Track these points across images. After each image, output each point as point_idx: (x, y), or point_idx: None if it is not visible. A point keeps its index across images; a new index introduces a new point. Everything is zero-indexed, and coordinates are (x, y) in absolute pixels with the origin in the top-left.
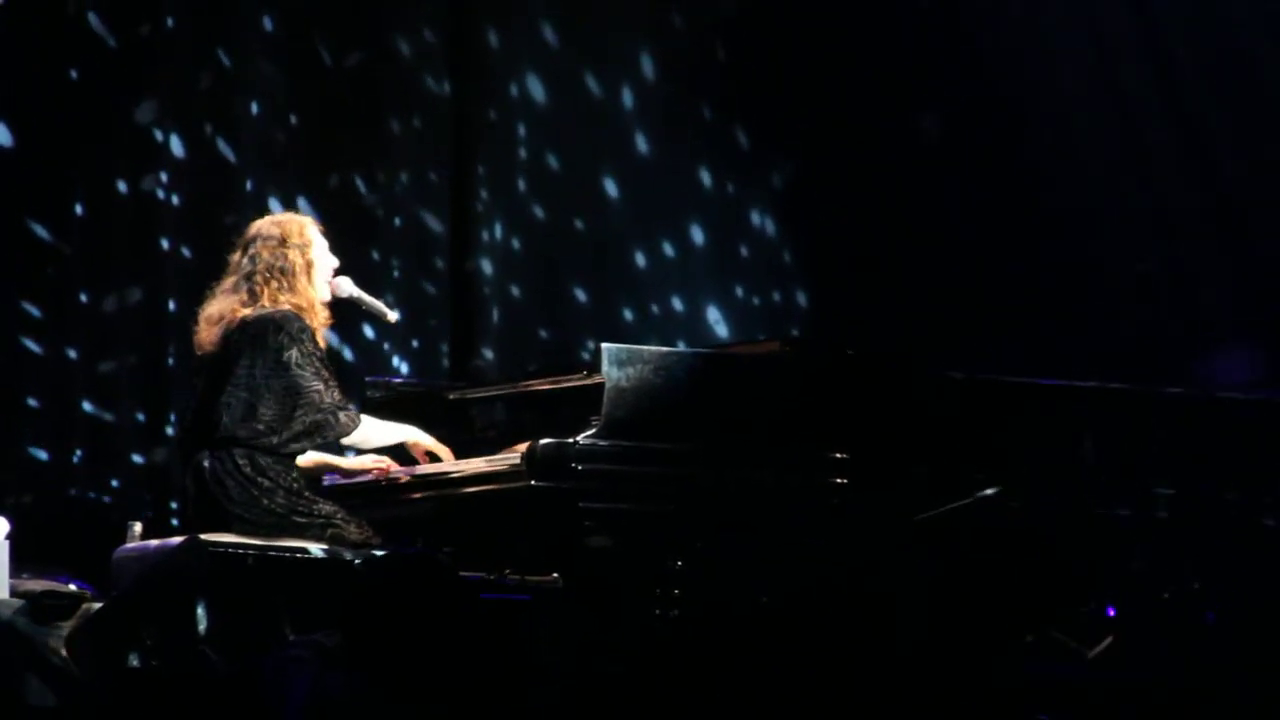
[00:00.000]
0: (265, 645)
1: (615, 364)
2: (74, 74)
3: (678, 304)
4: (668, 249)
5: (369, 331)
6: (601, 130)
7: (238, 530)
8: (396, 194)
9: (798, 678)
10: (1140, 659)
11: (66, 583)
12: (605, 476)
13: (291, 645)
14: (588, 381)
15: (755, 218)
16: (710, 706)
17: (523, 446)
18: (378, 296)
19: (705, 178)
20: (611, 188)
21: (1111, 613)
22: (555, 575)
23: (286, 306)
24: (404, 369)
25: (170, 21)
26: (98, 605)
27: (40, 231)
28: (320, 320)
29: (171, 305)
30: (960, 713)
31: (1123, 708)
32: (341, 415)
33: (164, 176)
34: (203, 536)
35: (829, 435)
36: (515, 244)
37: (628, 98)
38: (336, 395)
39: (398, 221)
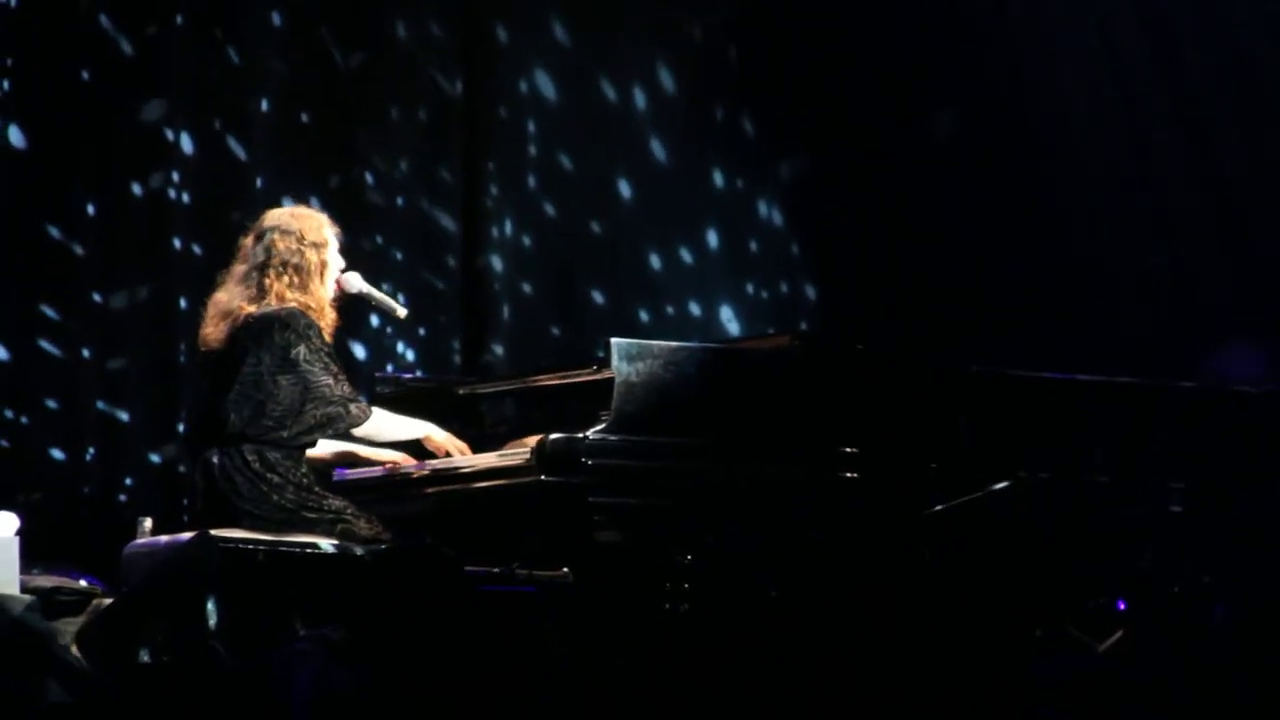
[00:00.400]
0: (275, 640)
1: (625, 359)
2: (85, 75)
3: (692, 305)
4: (681, 249)
5: (378, 326)
6: (610, 127)
7: (247, 526)
8: (406, 190)
9: (807, 672)
10: (1150, 653)
11: (77, 578)
12: (615, 471)
13: (299, 640)
14: (598, 376)
15: (763, 209)
16: (719, 701)
17: (531, 440)
18: (388, 293)
19: (717, 175)
20: (623, 186)
21: (1121, 607)
22: (565, 570)
23: (294, 304)
24: (412, 360)
25: (179, 19)
26: (108, 601)
27: (53, 232)
28: (328, 321)
29: (182, 303)
30: (969, 708)
31: (1132, 702)
32: (353, 407)
33: (175, 175)
34: (213, 532)
35: (838, 430)
36: (526, 241)
37: (638, 95)
38: (346, 388)
39: (408, 217)
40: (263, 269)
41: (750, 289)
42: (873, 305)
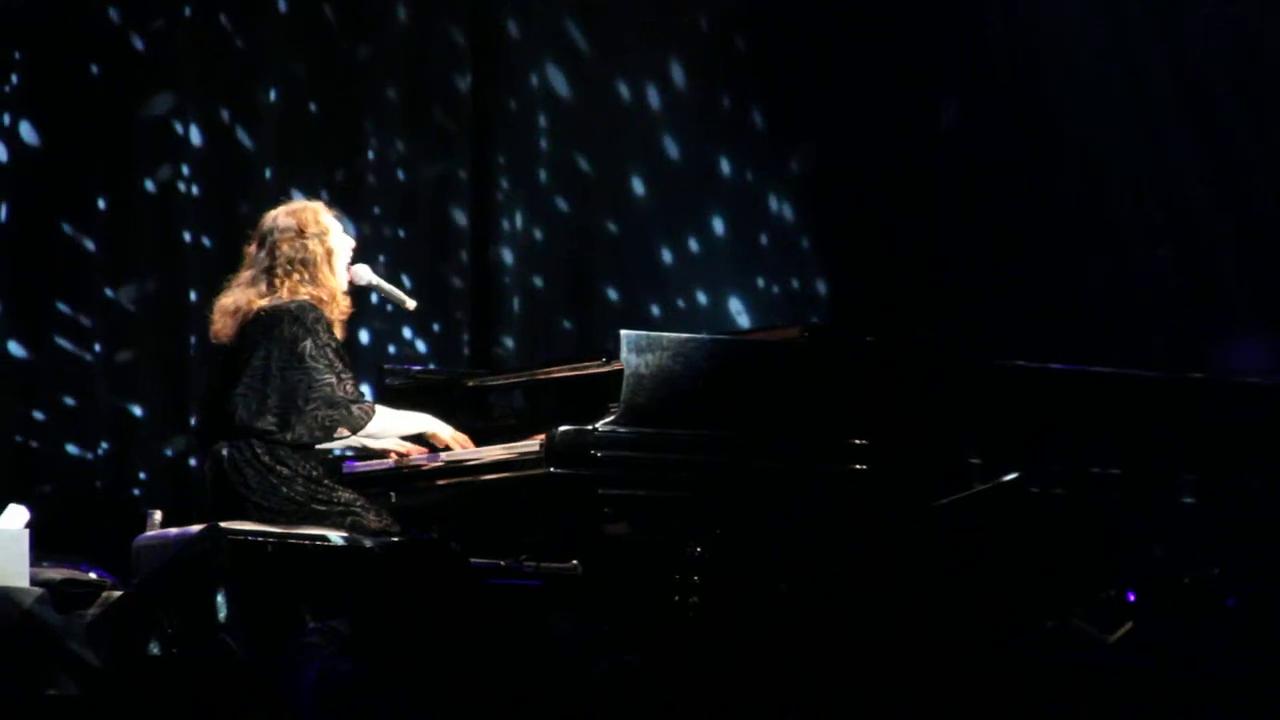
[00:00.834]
0: (284, 633)
1: (634, 351)
2: (94, 68)
3: (701, 297)
4: (691, 241)
5: (387, 319)
6: (621, 120)
7: (257, 518)
8: (416, 182)
9: (816, 664)
10: (1160, 645)
11: (87, 571)
12: (624, 463)
13: (307, 632)
14: (607, 368)
15: (774, 204)
16: (729, 692)
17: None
18: (397, 284)
19: (725, 166)
20: (634, 180)
21: (1131, 598)
22: (574, 562)
23: (306, 297)
24: (423, 352)
25: (188, 11)
26: (118, 593)
27: (65, 227)
28: (341, 309)
29: (193, 295)
30: (978, 699)
31: (1141, 693)
32: (355, 409)
33: (185, 169)
34: (222, 525)
35: (848, 421)
36: (537, 234)
37: (649, 89)
38: (350, 388)
39: (418, 209)
40: (270, 271)
41: (761, 283)
42: (890, 294)
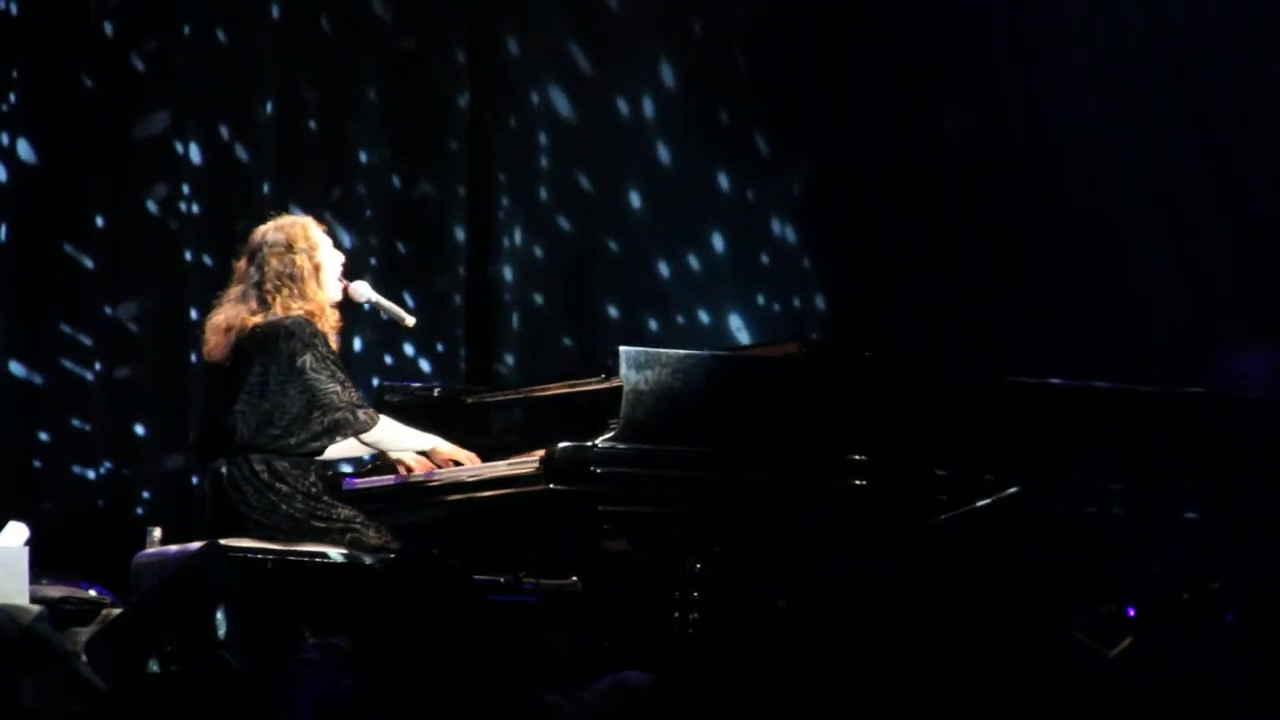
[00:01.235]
0: (284, 650)
1: (633, 367)
2: (92, 86)
3: (702, 314)
4: (690, 258)
5: (383, 331)
6: (621, 137)
7: (256, 535)
8: (415, 198)
9: (817, 679)
10: (1160, 659)
11: (86, 588)
12: (624, 480)
13: (306, 648)
14: (606, 385)
15: (776, 225)
16: (730, 709)
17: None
18: (396, 300)
19: (725, 184)
20: (633, 196)
21: (1132, 613)
22: (574, 579)
23: (298, 312)
24: (427, 371)
25: (186, 29)
26: (117, 611)
27: (65, 246)
28: (331, 323)
29: (193, 313)
30: (978, 712)
31: (1142, 708)
32: (360, 413)
33: (185, 187)
34: (222, 541)
35: (848, 436)
36: (537, 251)
37: (647, 105)
38: (353, 395)
39: (416, 225)
40: (259, 286)
41: (762, 300)
42: (891, 311)
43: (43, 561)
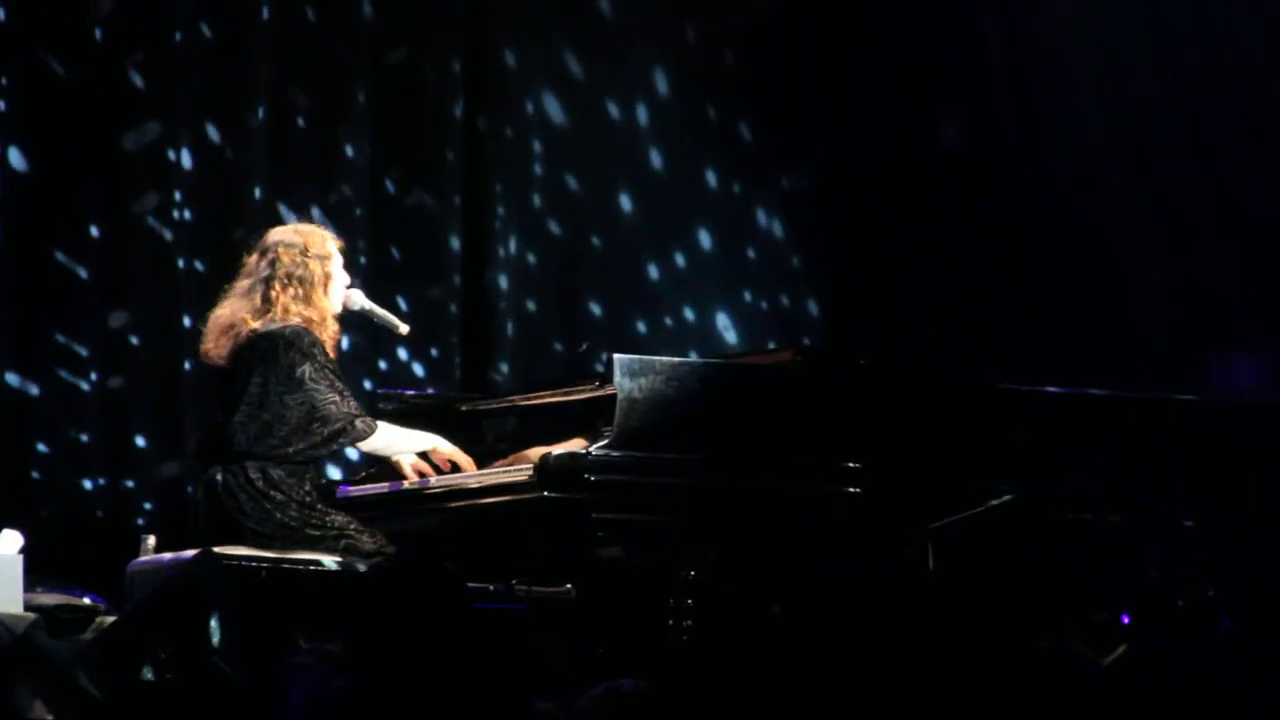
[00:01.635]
0: (278, 657)
1: (628, 375)
2: (82, 93)
3: (689, 314)
4: (679, 259)
5: (382, 343)
6: (614, 142)
7: (251, 543)
8: (409, 205)
9: (811, 687)
10: (1154, 667)
11: (80, 596)
12: (618, 487)
13: (299, 652)
14: (600, 393)
15: (762, 219)
16: (724, 717)
17: (528, 453)
18: (390, 308)
19: (715, 183)
20: (624, 199)
21: (1126, 620)
22: (568, 586)
23: (297, 318)
24: (421, 376)
25: (177, 35)
26: (111, 619)
27: (58, 255)
28: (330, 334)
29: (187, 321)
30: (975, 716)
31: (1137, 715)
32: (358, 423)
33: (176, 194)
34: (216, 549)
35: (842, 444)
36: (530, 258)
37: (640, 109)
38: (352, 405)
39: (412, 234)
40: (267, 282)
41: (758, 302)
42: (881, 313)
43: (37, 569)
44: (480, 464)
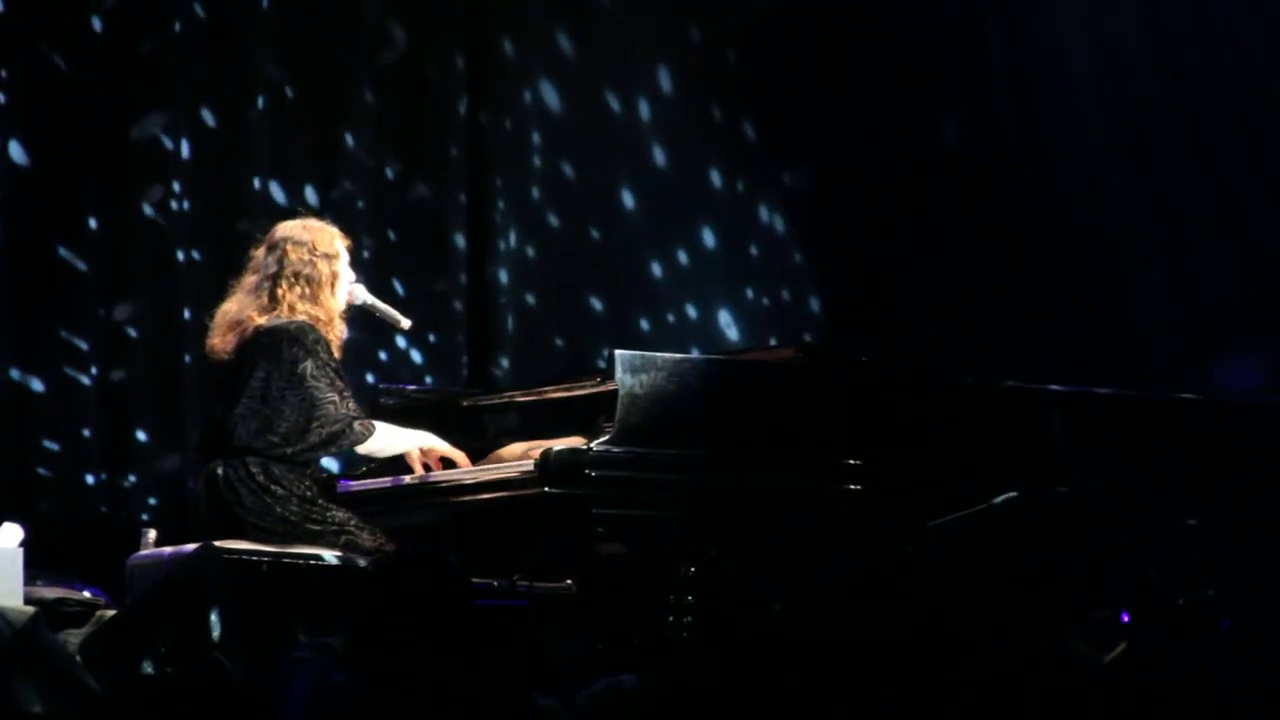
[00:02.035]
0: (278, 652)
1: (629, 370)
2: (82, 85)
3: (691, 311)
4: (682, 256)
5: (384, 338)
6: (615, 136)
7: (251, 538)
8: (410, 200)
9: (811, 683)
10: (1154, 665)
11: (81, 590)
12: (619, 483)
13: (299, 647)
14: (602, 388)
15: (765, 217)
16: (723, 713)
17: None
18: (392, 302)
19: (716, 178)
20: (626, 196)
21: (1126, 618)
22: (569, 582)
23: (303, 316)
24: (419, 362)
25: (177, 26)
26: (111, 612)
27: (59, 248)
28: (336, 333)
29: (187, 314)
30: (975, 717)
31: (1138, 713)
32: (357, 425)
33: (176, 185)
34: (216, 544)
35: (843, 441)
36: (530, 253)
37: (641, 104)
38: (352, 405)
39: (412, 228)
40: (275, 279)
41: (760, 299)
42: (882, 310)
43: (37, 563)
44: (482, 460)
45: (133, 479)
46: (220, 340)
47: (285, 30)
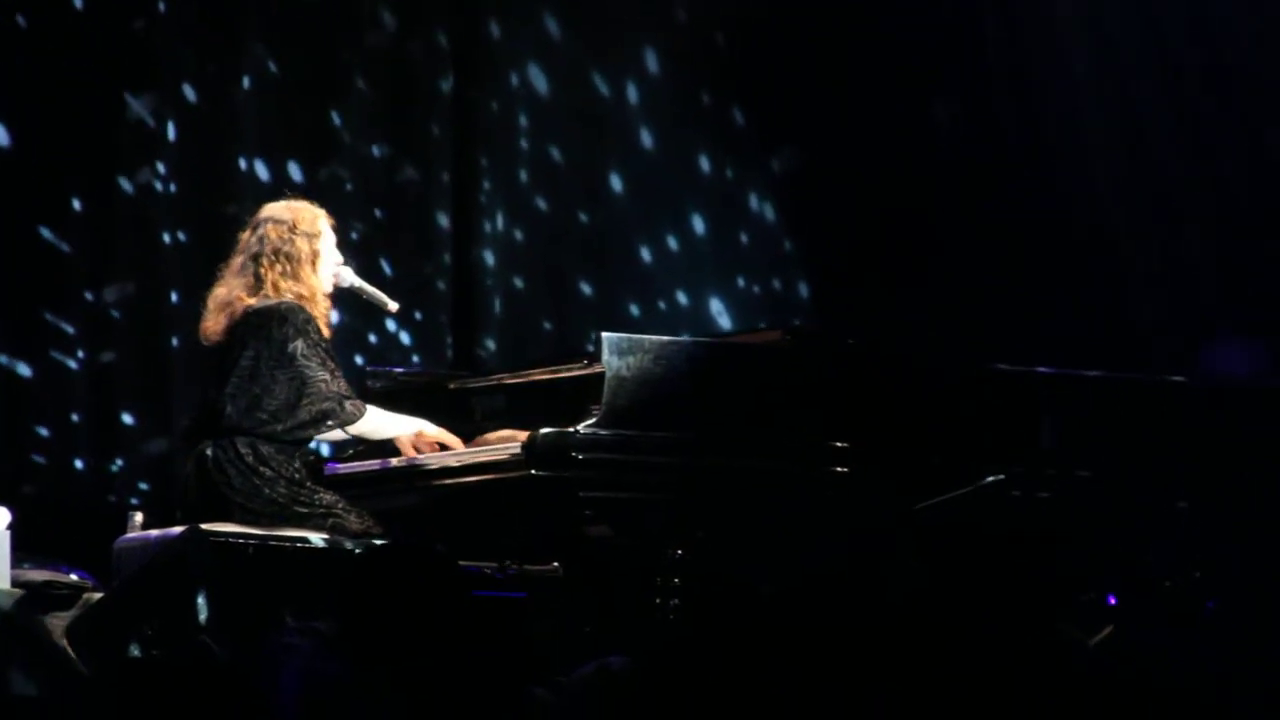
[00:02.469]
0: (265, 634)
1: (616, 353)
2: (66, 66)
3: (681, 297)
4: (671, 242)
5: (372, 320)
6: (602, 119)
7: (239, 519)
8: (396, 181)
9: (799, 666)
10: (1140, 648)
11: (67, 572)
12: (606, 466)
13: (287, 631)
14: (589, 371)
15: (754, 203)
16: (711, 695)
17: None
18: (379, 284)
19: (706, 165)
20: (614, 179)
21: (1112, 601)
22: (556, 565)
23: (288, 295)
24: (407, 343)
25: (161, 6)
26: (98, 595)
27: (41, 229)
28: (321, 311)
29: (174, 297)
30: (959, 703)
31: (1121, 697)
32: (347, 404)
33: (161, 167)
34: (203, 526)
35: (830, 424)
36: (517, 234)
37: (629, 87)
38: (342, 385)
39: (399, 209)
40: (257, 259)
41: (750, 286)
42: (873, 296)
43: (24, 546)
44: (469, 442)
45: (120, 462)
46: (212, 323)
47: (272, 11)
